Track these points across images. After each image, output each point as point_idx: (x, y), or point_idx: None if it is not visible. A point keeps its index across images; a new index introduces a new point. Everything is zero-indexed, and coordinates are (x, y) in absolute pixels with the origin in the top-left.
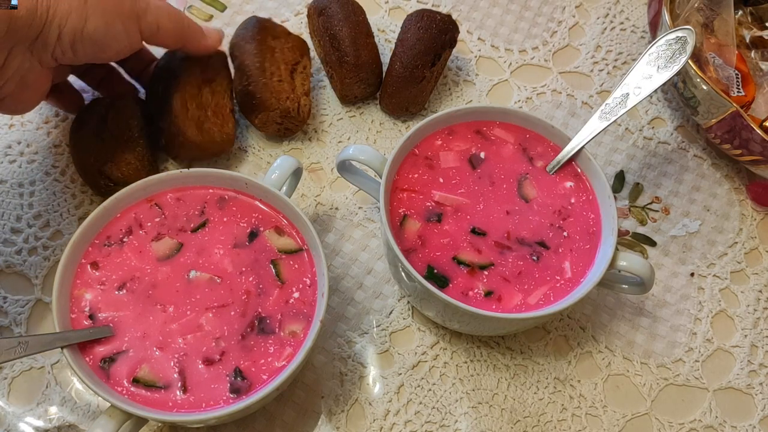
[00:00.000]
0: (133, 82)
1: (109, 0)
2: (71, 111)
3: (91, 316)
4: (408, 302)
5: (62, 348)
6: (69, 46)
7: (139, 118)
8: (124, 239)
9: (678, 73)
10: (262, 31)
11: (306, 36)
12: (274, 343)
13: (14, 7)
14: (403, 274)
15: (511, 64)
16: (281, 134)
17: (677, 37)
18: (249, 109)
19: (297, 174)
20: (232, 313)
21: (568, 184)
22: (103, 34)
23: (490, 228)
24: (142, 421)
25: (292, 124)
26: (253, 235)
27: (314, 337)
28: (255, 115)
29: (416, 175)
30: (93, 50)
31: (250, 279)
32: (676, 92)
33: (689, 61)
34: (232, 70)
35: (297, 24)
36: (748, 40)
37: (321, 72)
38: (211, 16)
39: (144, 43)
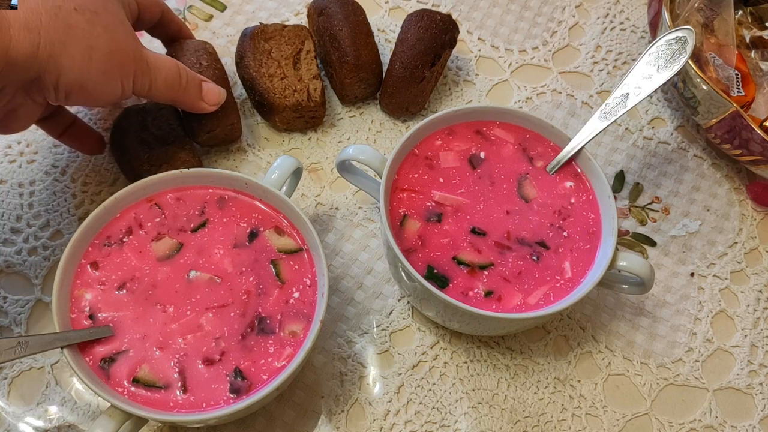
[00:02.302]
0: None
1: (115, 58)
2: (91, 153)
3: (91, 316)
4: (408, 302)
5: (62, 348)
6: (63, 95)
7: (176, 116)
8: (124, 239)
9: (678, 73)
10: (253, 38)
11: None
12: (274, 343)
13: (14, 7)
14: (403, 274)
15: (511, 64)
16: (310, 126)
17: (677, 37)
18: (266, 115)
19: (297, 174)
20: (232, 313)
21: (568, 184)
22: (101, 89)
23: (490, 228)
24: (142, 421)
25: (311, 113)
26: (253, 235)
27: (314, 337)
28: (273, 119)
29: (416, 175)
30: (85, 99)
31: (250, 279)
32: (676, 92)
33: (689, 61)
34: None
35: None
36: (748, 40)
37: (321, 72)
38: (211, 16)
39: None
